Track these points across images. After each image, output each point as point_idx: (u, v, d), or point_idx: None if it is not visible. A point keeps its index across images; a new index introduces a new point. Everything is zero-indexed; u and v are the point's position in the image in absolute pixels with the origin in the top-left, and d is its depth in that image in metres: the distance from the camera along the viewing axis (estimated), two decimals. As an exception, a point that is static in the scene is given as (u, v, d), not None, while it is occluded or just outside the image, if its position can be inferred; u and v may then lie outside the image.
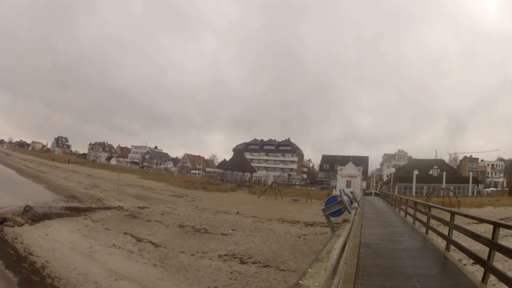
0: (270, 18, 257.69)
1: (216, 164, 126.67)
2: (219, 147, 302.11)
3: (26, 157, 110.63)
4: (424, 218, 15.24)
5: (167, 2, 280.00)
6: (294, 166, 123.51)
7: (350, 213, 8.24)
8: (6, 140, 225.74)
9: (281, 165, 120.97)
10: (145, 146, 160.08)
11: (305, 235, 21.77)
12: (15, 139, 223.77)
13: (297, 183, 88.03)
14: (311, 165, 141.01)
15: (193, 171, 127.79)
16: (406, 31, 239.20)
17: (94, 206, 32.45)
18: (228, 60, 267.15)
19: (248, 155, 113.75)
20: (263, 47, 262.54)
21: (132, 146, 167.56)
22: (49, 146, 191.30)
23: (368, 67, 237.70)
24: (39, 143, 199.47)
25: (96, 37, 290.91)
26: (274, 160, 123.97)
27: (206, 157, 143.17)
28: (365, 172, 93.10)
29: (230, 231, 22.30)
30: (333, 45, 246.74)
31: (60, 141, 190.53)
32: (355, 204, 12.55)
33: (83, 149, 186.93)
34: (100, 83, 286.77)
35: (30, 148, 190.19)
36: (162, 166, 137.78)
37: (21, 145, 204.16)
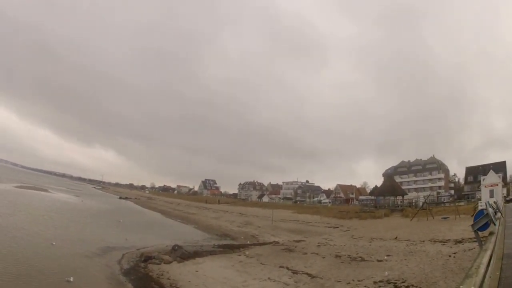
0: (387, 29, 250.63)
1: (368, 191, 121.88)
2: (369, 174, 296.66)
3: (171, 200, 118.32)
4: None
5: (288, 34, 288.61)
6: (442, 183, 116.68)
7: (495, 225, 8.57)
8: (148, 185, 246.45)
9: (429, 184, 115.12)
10: (296, 181, 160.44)
11: (454, 253, 20.04)
12: (158, 185, 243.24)
13: (445, 200, 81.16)
14: (456, 179, 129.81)
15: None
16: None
17: (248, 242, 32.40)
18: (356, 81, 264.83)
19: (397, 179, 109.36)
20: (387, 60, 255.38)
21: (283, 182, 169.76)
22: (196, 189, 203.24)
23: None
24: (185, 186, 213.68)
25: (223, 81, 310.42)
26: (423, 180, 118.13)
27: (358, 185, 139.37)
28: (504, 178, 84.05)
29: (385, 257, 21.16)
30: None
31: (208, 184, 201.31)
32: (499, 214, 12.74)
33: (232, 189, 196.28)
34: (238, 125, 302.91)
35: (175, 192, 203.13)
36: (315, 199, 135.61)
37: (165, 189, 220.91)
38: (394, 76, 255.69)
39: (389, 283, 15.40)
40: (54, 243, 22.69)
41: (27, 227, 27.72)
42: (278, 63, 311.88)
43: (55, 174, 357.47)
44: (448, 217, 45.76)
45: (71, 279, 15.64)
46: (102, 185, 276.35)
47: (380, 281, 15.74)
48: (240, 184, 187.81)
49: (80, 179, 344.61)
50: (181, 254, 22.76)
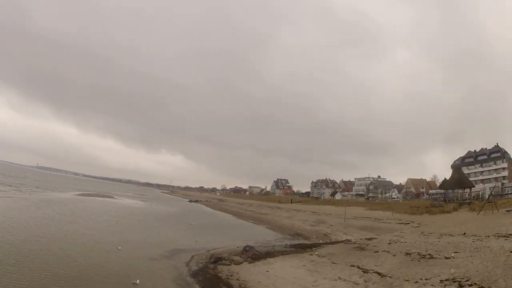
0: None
1: (438, 184, 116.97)
2: (438, 166, 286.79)
3: (243, 201, 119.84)
4: None
5: (347, 25, 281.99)
6: (505, 173, 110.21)
7: None
8: (219, 188, 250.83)
9: (494, 175, 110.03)
10: (368, 177, 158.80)
11: (517, 249, 19.61)
12: (229, 186, 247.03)
13: (509, 192, 75.63)
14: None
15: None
16: None
17: (320, 241, 31.99)
18: (419, 70, 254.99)
19: (465, 170, 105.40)
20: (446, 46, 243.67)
21: (355, 178, 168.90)
22: (268, 189, 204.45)
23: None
24: (257, 187, 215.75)
25: (287, 78, 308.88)
26: (488, 171, 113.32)
27: (428, 179, 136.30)
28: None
29: (453, 254, 20.11)
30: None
31: (280, 183, 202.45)
32: None
33: (304, 188, 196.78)
34: (305, 122, 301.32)
35: (247, 192, 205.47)
36: (387, 194, 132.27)
37: (237, 190, 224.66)
38: (456, 62, 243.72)
39: (454, 282, 15.00)
40: (120, 248, 23.22)
41: (89, 233, 28.56)
42: (340, 56, 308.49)
43: (120, 181, 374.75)
44: (511, 210, 43.43)
45: (137, 281, 15.88)
46: (171, 189, 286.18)
47: (446, 280, 15.29)
48: (312, 182, 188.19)
49: (147, 184, 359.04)
50: (252, 254, 22.66)
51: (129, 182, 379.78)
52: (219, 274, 18.64)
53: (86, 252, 21.19)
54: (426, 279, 15.74)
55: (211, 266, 20.55)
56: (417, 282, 15.57)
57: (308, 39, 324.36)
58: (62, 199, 58.44)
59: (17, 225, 27.18)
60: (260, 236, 38.24)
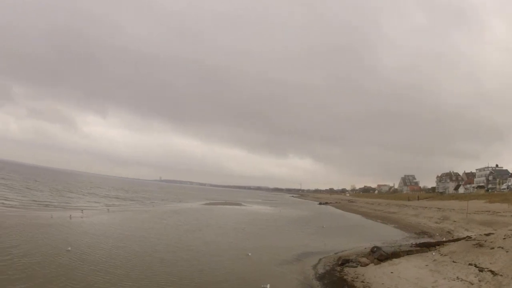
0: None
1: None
2: None
3: (372, 200, 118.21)
4: None
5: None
6: None
7: None
8: (348, 188, 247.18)
9: None
10: (487, 167, 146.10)
11: None
12: (358, 186, 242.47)
13: None
14: None
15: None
16: None
17: (443, 239, 31.49)
18: None
19: None
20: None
21: (476, 169, 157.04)
22: (396, 186, 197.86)
23: None
24: (385, 185, 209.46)
25: (398, 70, 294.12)
26: None
27: None
28: None
29: None
30: None
31: (407, 180, 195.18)
32: None
33: (430, 183, 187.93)
34: (421, 113, 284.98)
35: (375, 191, 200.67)
36: (504, 185, 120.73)
37: (366, 190, 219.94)
38: None
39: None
40: (249, 254, 24.57)
41: (217, 240, 30.19)
42: (444, 40, 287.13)
43: (249, 188, 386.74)
44: None
45: (268, 286, 16.79)
46: (300, 193, 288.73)
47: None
48: (437, 176, 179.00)
49: (276, 189, 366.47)
50: (379, 255, 23.00)
51: (258, 188, 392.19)
52: (345, 277, 19.40)
53: (216, 259, 22.82)
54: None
55: (338, 268, 21.40)
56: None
57: (409, 25, 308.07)
58: (188, 209, 61.95)
59: (149, 235, 29.47)
60: (387, 236, 38.67)
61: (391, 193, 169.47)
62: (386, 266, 21.07)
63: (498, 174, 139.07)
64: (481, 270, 17.73)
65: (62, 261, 18.92)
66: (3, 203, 41.76)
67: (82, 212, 40.89)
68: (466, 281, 16.53)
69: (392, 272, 19.41)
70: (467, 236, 30.39)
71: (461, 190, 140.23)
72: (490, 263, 18.63)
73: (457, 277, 17.19)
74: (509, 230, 29.40)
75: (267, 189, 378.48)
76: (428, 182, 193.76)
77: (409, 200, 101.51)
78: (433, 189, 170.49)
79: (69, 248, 21.60)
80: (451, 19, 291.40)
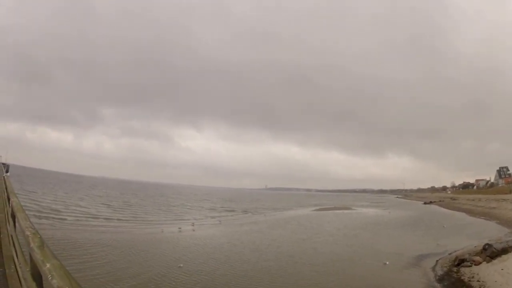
0: None
1: None
2: None
3: (472, 196, 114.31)
4: None
5: None
6: None
7: None
8: (448, 185, 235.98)
9: None
10: None
11: None
12: (457, 182, 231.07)
13: None
14: None
15: None
16: None
17: None
18: None
19: None
20: None
21: None
22: (492, 180, 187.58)
23: None
24: (483, 179, 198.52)
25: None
26: None
27: None
28: None
29: None
30: None
31: (502, 172, 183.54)
32: None
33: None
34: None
35: (474, 187, 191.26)
36: None
37: (465, 186, 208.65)
38: None
39: None
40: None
41: (329, 249, 29.86)
42: None
43: (354, 191, 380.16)
44: None
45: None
46: (404, 193, 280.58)
47: None
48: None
49: (381, 191, 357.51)
50: (490, 253, 22.47)
51: (364, 191, 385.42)
52: (462, 277, 19.68)
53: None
54: None
55: (454, 269, 21.63)
56: None
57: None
58: (297, 216, 61.10)
59: (266, 250, 28.25)
60: (491, 232, 39.09)
61: (489, 188, 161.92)
62: (496, 264, 20.85)
63: None
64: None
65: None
66: (119, 218, 42.23)
67: (193, 226, 40.38)
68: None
69: (502, 269, 19.34)
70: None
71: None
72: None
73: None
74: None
75: (372, 191, 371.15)
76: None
77: (511, 193, 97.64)
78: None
79: (181, 265, 21.07)
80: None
